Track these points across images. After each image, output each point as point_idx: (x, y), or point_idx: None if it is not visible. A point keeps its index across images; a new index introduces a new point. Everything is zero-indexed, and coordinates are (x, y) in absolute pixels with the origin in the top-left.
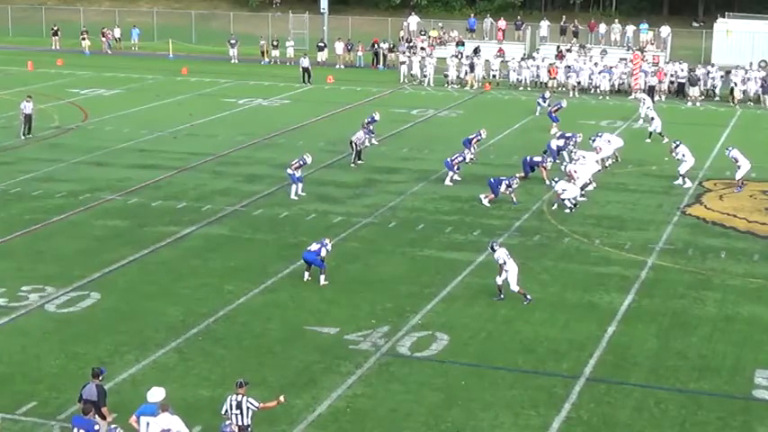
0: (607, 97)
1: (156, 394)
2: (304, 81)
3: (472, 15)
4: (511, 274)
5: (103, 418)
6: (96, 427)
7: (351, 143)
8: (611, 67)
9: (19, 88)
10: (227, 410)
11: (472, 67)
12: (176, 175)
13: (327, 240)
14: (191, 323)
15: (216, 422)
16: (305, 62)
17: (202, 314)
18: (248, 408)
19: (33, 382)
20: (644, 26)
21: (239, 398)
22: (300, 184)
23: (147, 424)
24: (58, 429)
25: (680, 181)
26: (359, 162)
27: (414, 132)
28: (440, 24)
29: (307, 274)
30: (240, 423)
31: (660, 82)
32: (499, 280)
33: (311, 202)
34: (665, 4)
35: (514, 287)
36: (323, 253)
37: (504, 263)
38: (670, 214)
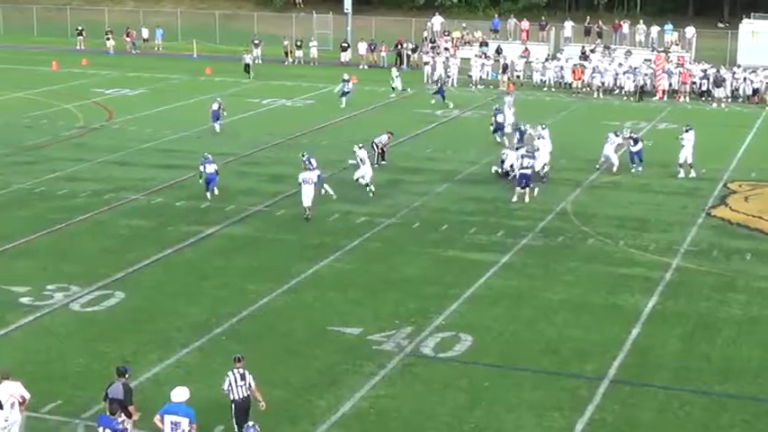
0: (631, 98)
1: (181, 394)
2: (247, 73)
3: (496, 16)
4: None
5: (129, 416)
6: (120, 427)
7: (372, 144)
8: (635, 68)
9: (44, 88)
10: (230, 385)
11: (505, 68)
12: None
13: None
14: (214, 323)
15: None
16: (247, 58)
17: (226, 314)
18: (250, 381)
19: (58, 380)
20: (668, 27)
21: (241, 371)
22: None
23: (172, 423)
24: (82, 428)
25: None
26: (382, 162)
27: (438, 133)
28: (463, 25)
29: (209, 194)
30: (243, 395)
31: (684, 83)
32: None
33: (334, 203)
34: (690, 4)
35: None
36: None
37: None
38: (694, 216)
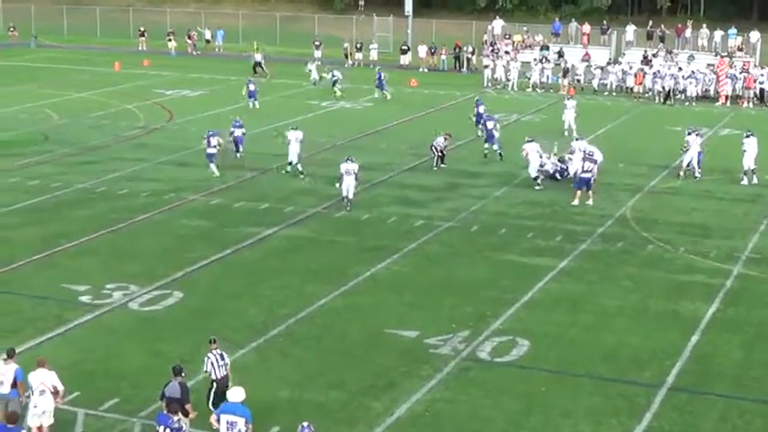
0: (693, 103)
1: (237, 394)
2: (255, 73)
3: (557, 19)
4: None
5: (186, 414)
6: (176, 426)
7: (431, 147)
8: (693, 72)
9: (107, 88)
10: (212, 365)
11: (566, 72)
12: (259, 177)
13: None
14: (271, 324)
15: (294, 423)
16: (258, 57)
17: (283, 315)
18: (228, 361)
19: (116, 378)
20: (732, 31)
21: (219, 351)
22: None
23: (228, 422)
24: (139, 426)
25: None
26: (442, 165)
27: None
28: (524, 28)
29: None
30: (223, 374)
31: (747, 89)
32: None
33: (392, 205)
34: (755, 8)
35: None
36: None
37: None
38: (757, 222)
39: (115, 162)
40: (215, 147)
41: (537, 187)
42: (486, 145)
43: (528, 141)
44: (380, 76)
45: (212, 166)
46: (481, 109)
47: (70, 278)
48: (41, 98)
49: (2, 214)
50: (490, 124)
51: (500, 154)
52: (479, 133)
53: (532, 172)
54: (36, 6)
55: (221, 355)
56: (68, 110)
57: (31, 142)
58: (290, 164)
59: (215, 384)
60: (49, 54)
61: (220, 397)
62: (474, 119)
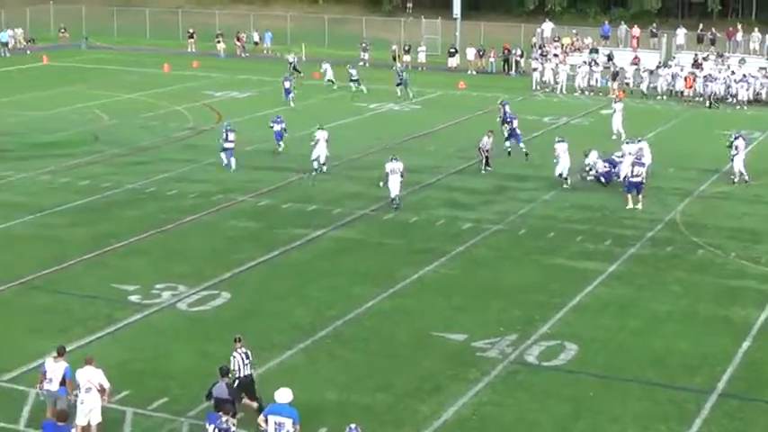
0: (745, 107)
1: (285, 395)
2: (300, 73)
3: (606, 22)
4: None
5: (234, 414)
6: (224, 426)
7: (479, 150)
8: (745, 76)
9: (156, 90)
10: (239, 365)
11: (615, 75)
12: (306, 178)
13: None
14: (318, 325)
15: (341, 425)
16: (291, 57)
17: (330, 317)
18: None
19: (165, 378)
20: None
21: (244, 350)
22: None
23: (276, 423)
24: (187, 426)
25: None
26: (488, 168)
27: (545, 140)
28: (573, 31)
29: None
30: (248, 372)
31: None
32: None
33: (441, 208)
34: None
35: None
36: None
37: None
38: None
39: (164, 163)
40: (232, 141)
41: (564, 186)
42: (507, 143)
43: (558, 141)
44: (402, 76)
45: (228, 158)
46: (507, 108)
47: (120, 278)
48: (91, 99)
49: (53, 214)
50: (515, 123)
51: (525, 152)
52: (504, 132)
53: (563, 171)
54: (87, 8)
55: (246, 354)
56: (118, 111)
57: (82, 143)
58: (321, 163)
59: (238, 381)
60: (99, 55)
61: (245, 394)
62: (501, 119)
